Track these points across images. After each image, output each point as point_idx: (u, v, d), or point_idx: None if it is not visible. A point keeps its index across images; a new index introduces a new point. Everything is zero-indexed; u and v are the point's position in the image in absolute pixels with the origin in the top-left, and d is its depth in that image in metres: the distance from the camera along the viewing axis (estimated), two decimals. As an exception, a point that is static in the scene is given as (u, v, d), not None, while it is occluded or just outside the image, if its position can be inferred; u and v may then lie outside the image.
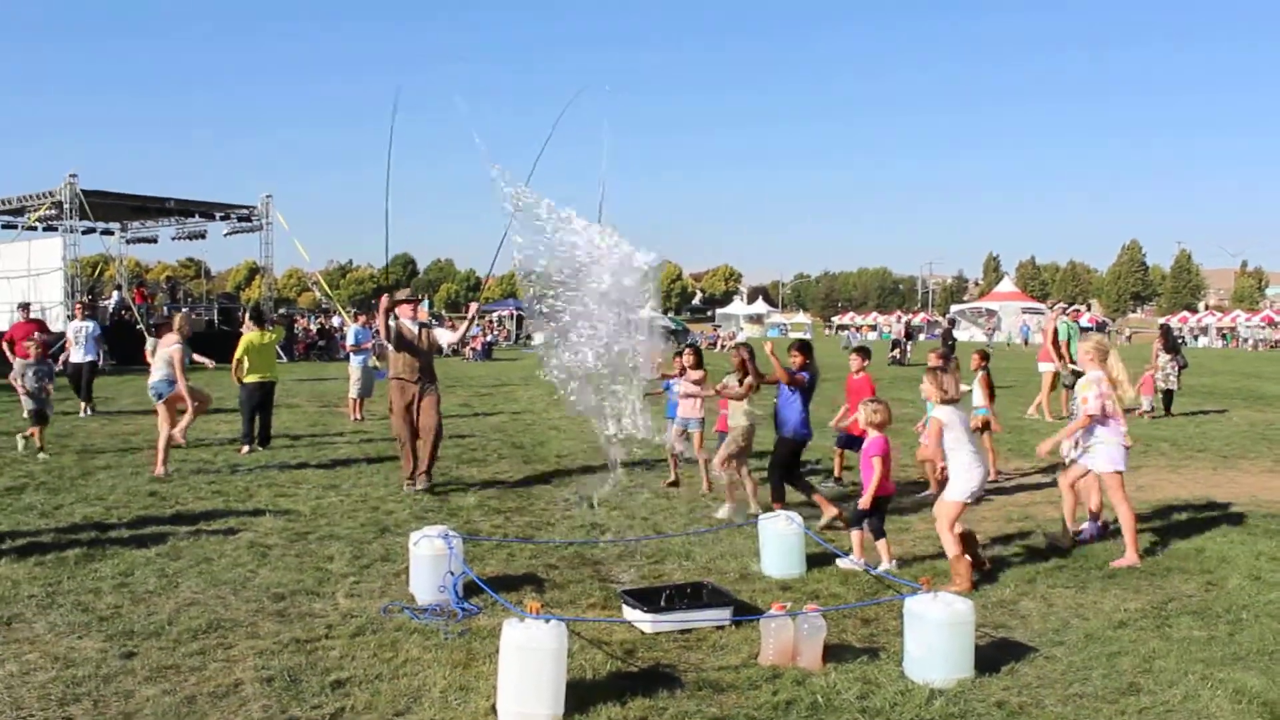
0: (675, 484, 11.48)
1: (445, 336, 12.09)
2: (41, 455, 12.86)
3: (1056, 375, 18.45)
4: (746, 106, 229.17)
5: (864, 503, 8.01)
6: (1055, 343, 18.07)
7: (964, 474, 7.67)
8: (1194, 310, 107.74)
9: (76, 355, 18.74)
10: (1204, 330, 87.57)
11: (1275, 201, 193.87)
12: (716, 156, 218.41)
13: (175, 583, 7.36)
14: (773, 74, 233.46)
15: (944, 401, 7.82)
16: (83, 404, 18.19)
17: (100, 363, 19.63)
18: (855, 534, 8.19)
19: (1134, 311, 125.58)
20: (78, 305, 18.93)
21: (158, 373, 12.33)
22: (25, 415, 13.90)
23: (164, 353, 12.31)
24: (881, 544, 8.02)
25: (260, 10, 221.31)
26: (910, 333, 46.79)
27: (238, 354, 13.94)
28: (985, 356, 12.32)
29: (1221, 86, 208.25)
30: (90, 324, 19.21)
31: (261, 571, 7.70)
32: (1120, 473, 8.61)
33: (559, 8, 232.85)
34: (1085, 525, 9.31)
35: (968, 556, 7.60)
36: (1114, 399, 8.71)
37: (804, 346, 10.03)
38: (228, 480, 11.59)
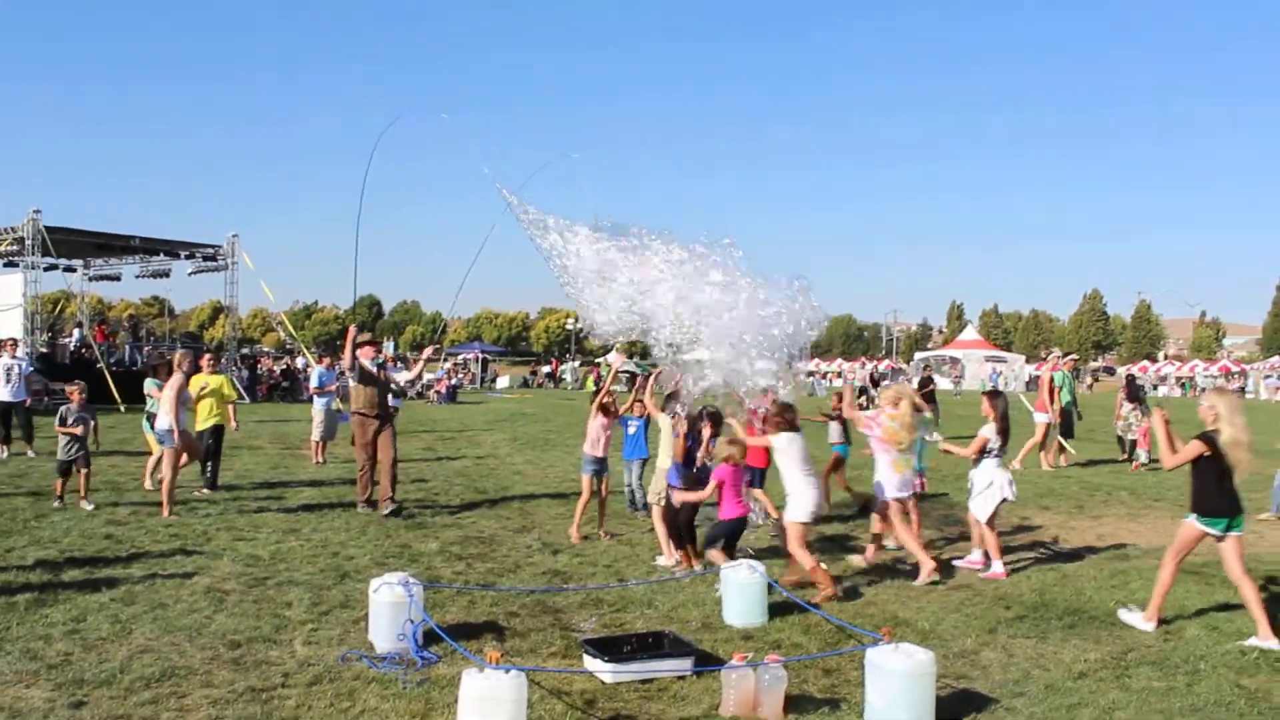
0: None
1: (401, 375, 12.59)
2: None
3: (1048, 426, 18.67)
4: (707, 152, 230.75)
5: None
6: (1051, 392, 18.28)
7: (797, 497, 8.90)
8: (1153, 359, 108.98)
9: (5, 394, 17.63)
10: (1163, 379, 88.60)
11: (1232, 254, 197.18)
12: (688, 200, 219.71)
13: (128, 629, 7.23)
14: (731, 119, 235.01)
15: (781, 430, 9.08)
16: (27, 445, 17.71)
17: (29, 401, 18.69)
18: (712, 552, 9.00)
19: (1095, 360, 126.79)
20: (8, 343, 18.14)
21: (165, 418, 12.31)
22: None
23: (169, 394, 12.35)
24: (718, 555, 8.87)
25: (229, 52, 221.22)
26: (875, 380, 46.92)
27: (197, 395, 13.76)
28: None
29: (1181, 140, 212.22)
30: (20, 362, 18.30)
31: (218, 618, 7.59)
32: (898, 500, 9.74)
33: (529, 64, 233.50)
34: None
35: (823, 565, 8.85)
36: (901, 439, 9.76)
37: (715, 418, 10.10)
38: (185, 523, 11.43)
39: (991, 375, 73.13)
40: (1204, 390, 12.41)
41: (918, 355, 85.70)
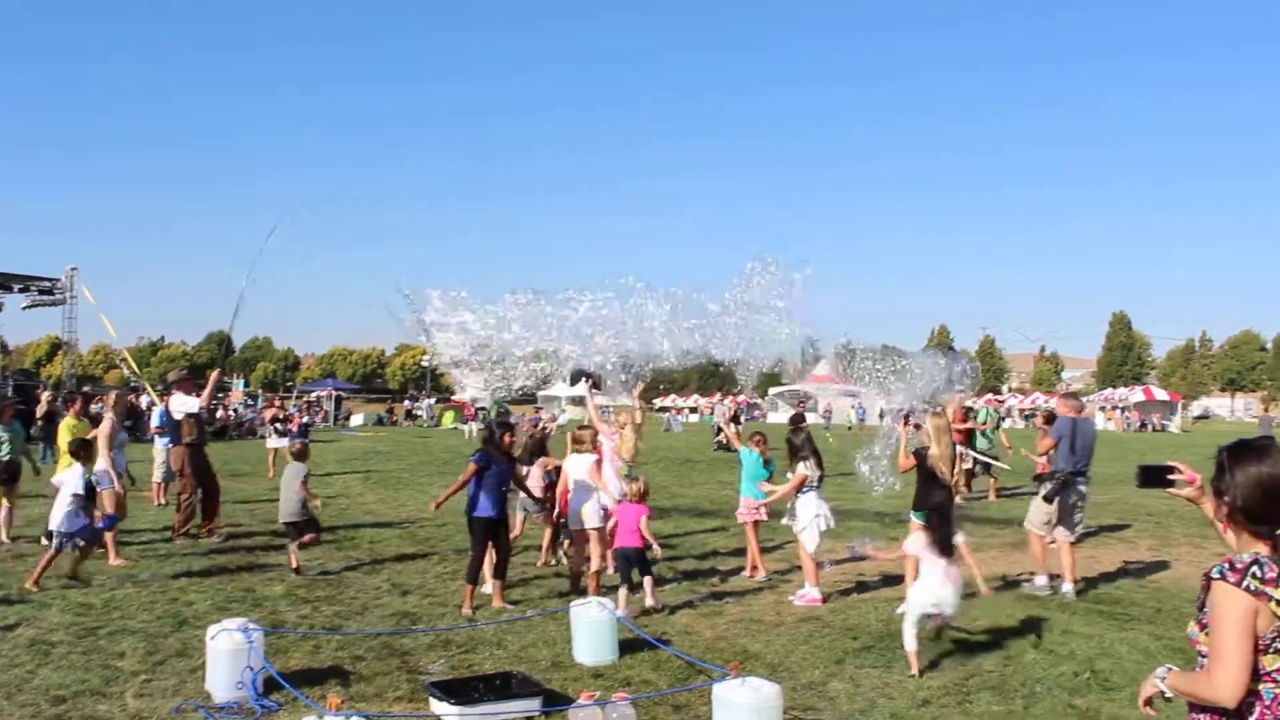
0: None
1: (192, 403, 13.60)
2: None
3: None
4: (560, 203, 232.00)
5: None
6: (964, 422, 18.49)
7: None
8: (998, 392, 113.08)
9: None
10: (1008, 411, 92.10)
11: (1069, 290, 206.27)
12: (560, 243, 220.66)
13: (-59, 687, 6.84)
14: (580, 174, 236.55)
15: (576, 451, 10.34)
16: None
17: None
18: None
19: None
20: None
21: (101, 461, 11.83)
22: None
23: (104, 437, 11.98)
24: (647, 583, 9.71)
25: (64, 80, 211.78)
26: (736, 416, 47.43)
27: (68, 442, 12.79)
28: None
29: (1024, 182, 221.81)
30: None
31: (42, 671, 7.23)
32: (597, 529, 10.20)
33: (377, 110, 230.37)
34: None
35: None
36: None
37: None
38: (9, 571, 10.87)
39: (859, 410, 74.75)
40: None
41: (771, 390, 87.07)
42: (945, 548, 7.96)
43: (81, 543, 10.24)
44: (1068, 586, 10.48)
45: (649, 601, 9.57)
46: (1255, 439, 3.20)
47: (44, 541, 12.79)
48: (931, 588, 7.91)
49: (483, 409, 51.85)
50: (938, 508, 8.95)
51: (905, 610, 7.93)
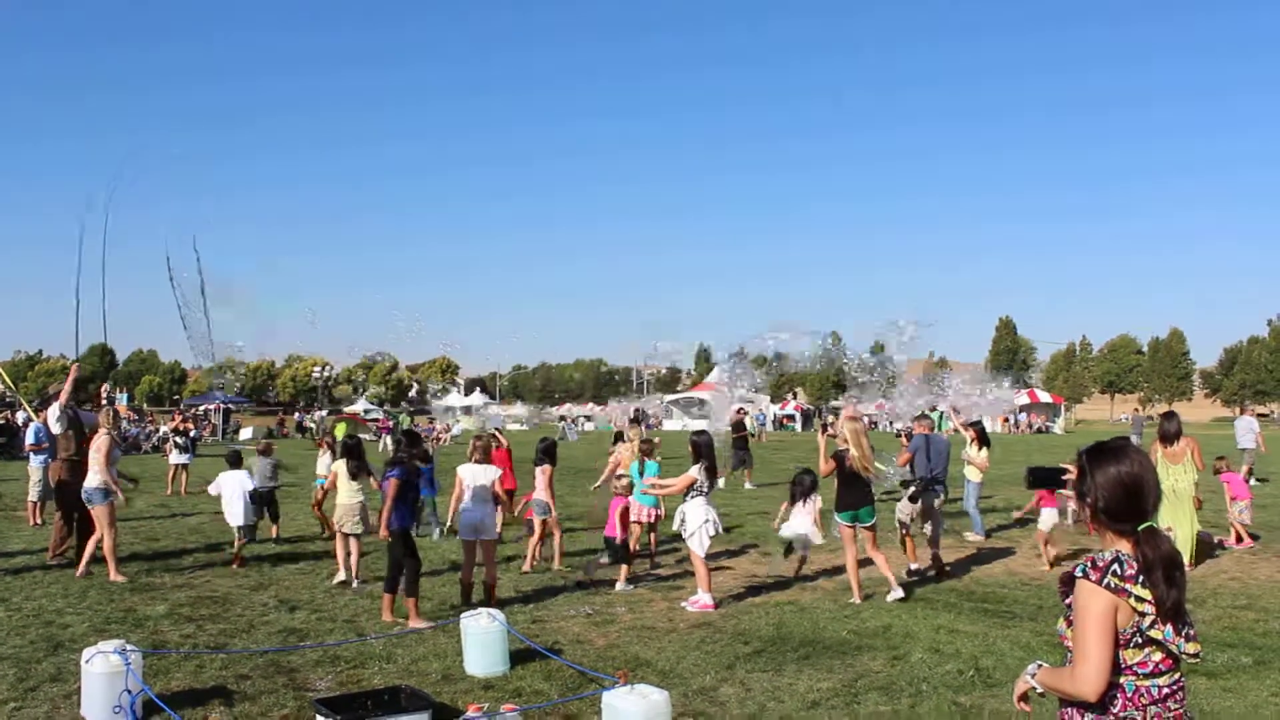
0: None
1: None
2: None
3: None
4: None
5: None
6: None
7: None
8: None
9: None
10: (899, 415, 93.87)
11: (957, 294, 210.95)
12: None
13: None
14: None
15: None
16: None
17: None
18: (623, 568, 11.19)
19: (837, 400, 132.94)
20: None
21: (95, 477, 11.55)
22: None
23: (100, 453, 11.68)
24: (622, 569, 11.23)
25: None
26: (638, 419, 47.65)
27: None
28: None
29: (903, 191, 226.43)
30: None
31: (-97, 702, 6.93)
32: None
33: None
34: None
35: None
36: None
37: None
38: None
39: (758, 416, 75.51)
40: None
41: (667, 398, 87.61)
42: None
43: None
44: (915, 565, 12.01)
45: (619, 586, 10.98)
46: (1112, 440, 3.30)
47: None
48: (800, 525, 11.56)
49: (395, 421, 51.21)
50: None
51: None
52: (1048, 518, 12.82)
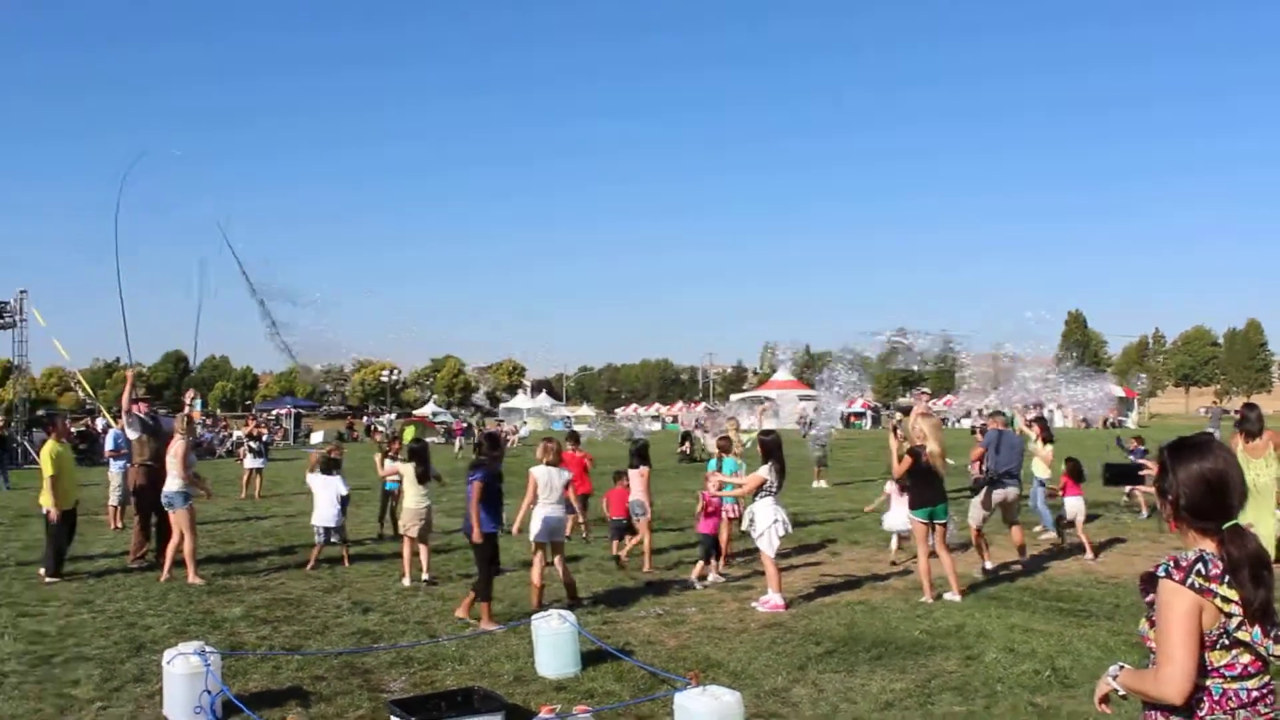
0: None
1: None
2: None
3: None
4: (526, 207, 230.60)
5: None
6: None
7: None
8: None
9: None
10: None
11: (1026, 289, 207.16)
12: (506, 252, 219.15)
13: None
14: (543, 170, 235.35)
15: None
16: None
17: None
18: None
19: (903, 396, 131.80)
20: None
21: (174, 481, 11.84)
22: None
23: (178, 456, 11.95)
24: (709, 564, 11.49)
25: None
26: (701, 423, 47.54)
27: (50, 470, 12.13)
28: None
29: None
30: None
31: (-7, 702, 7.12)
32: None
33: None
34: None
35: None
36: None
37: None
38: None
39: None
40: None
41: (733, 397, 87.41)
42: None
43: None
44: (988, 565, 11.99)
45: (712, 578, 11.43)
46: (1194, 436, 3.21)
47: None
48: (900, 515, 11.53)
49: (468, 424, 51.56)
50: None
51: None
52: (1072, 506, 13.37)
